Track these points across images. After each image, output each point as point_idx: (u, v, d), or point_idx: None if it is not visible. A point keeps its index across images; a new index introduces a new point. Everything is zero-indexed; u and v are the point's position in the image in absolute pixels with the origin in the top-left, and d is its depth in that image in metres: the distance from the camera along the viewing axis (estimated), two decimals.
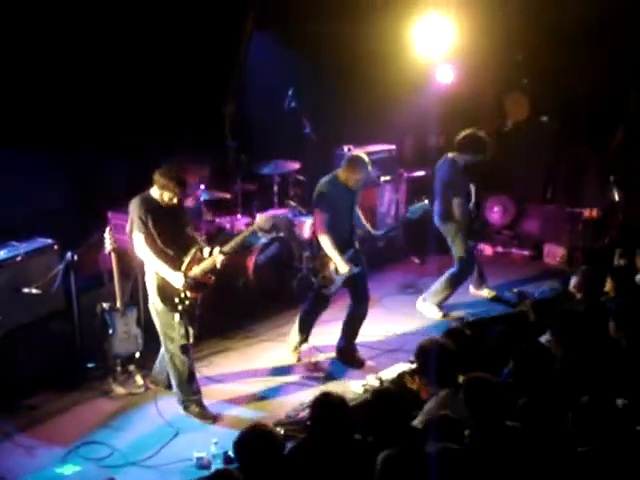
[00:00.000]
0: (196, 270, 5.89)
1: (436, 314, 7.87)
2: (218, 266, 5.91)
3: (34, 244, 6.57)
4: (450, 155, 7.77)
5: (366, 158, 6.65)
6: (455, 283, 7.91)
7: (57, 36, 7.06)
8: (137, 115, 7.82)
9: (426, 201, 6.89)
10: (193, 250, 5.95)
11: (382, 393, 4.57)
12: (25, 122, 7.08)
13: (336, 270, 6.57)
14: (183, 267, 5.89)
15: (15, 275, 6.30)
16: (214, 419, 6.05)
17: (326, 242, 6.53)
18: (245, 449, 4.00)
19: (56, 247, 6.61)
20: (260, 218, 6.14)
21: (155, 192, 5.90)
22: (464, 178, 7.80)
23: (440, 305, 7.92)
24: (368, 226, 6.93)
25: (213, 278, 5.99)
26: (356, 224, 6.81)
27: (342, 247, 6.58)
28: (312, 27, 8.94)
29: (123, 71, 7.55)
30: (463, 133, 7.73)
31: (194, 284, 5.90)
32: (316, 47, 9.07)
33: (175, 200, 5.87)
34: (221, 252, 5.87)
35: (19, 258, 6.37)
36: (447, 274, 7.90)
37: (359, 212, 6.85)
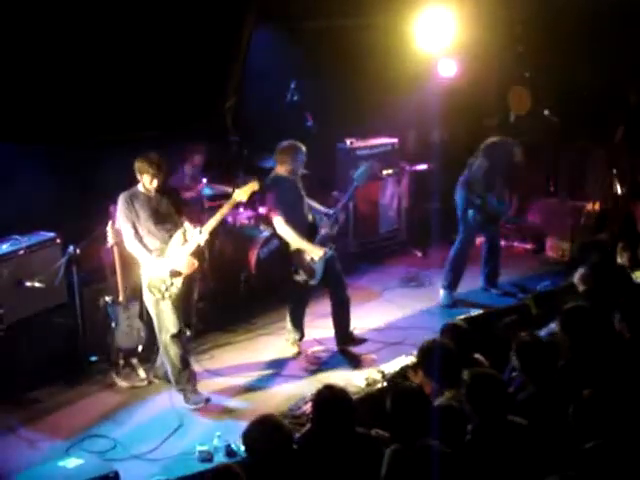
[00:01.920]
0: (180, 253, 5.97)
1: (446, 299, 7.90)
2: (202, 244, 6.05)
3: (37, 238, 6.58)
4: None
5: (291, 142, 6.69)
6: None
7: (57, 31, 7.03)
8: (137, 110, 7.80)
9: (365, 164, 6.98)
10: (176, 235, 6.03)
11: (406, 390, 4.48)
12: (25, 116, 7.06)
13: (312, 259, 6.63)
14: (166, 253, 5.97)
15: (18, 268, 6.31)
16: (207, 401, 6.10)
17: (291, 236, 6.60)
18: (254, 440, 3.98)
19: (58, 241, 6.62)
20: (237, 192, 6.18)
21: (140, 185, 6.00)
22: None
23: (451, 287, 7.92)
24: (320, 207, 6.97)
25: (196, 262, 6.08)
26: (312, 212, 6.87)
27: (308, 236, 6.66)
28: (314, 21, 8.92)
29: (122, 65, 7.52)
30: None
31: (179, 269, 5.99)
32: (318, 40, 9.03)
33: (156, 183, 5.92)
34: (201, 231, 5.98)
35: (22, 251, 6.38)
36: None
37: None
